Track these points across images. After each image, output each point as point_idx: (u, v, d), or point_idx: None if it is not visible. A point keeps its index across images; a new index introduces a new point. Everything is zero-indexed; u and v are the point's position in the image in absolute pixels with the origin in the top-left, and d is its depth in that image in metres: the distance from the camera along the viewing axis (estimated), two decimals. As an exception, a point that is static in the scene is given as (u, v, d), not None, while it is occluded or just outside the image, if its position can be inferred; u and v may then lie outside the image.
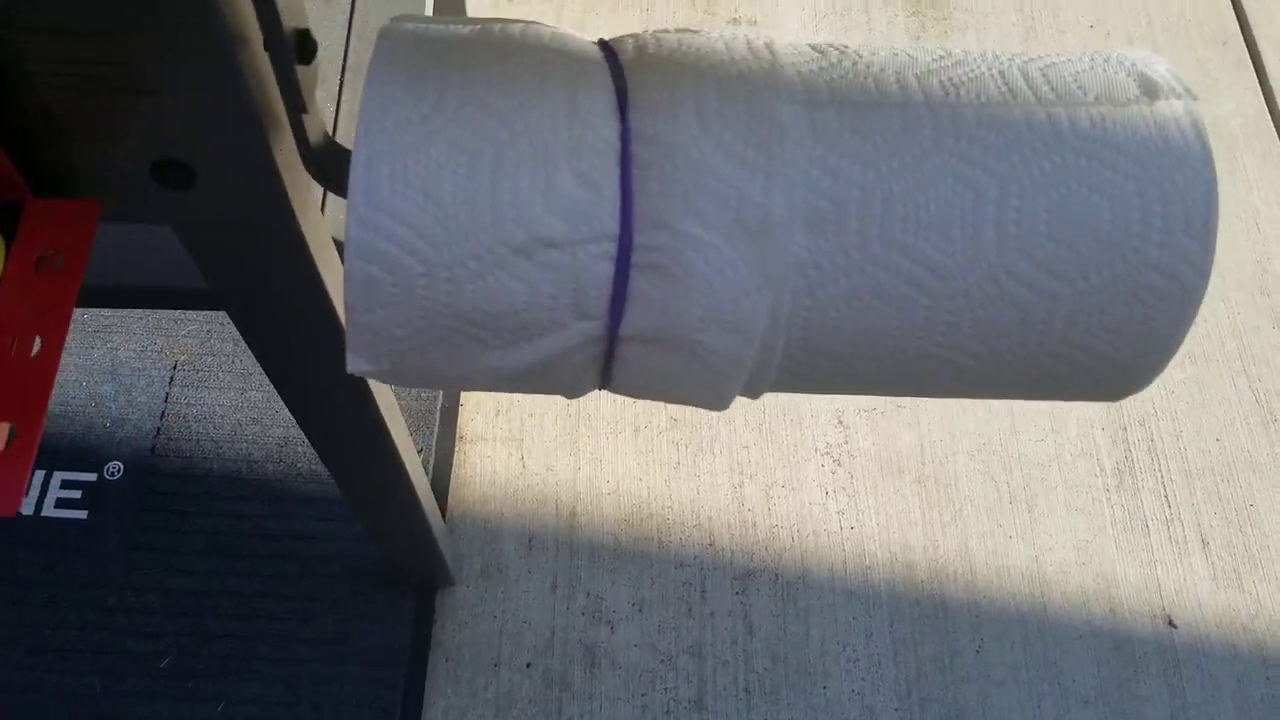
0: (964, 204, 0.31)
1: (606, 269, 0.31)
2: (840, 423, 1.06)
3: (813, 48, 0.33)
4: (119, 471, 0.92)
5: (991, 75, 0.32)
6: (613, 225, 0.30)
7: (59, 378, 0.95)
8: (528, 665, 0.92)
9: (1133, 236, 0.31)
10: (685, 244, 0.30)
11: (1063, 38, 1.32)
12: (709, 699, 0.92)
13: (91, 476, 0.92)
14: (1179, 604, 1.00)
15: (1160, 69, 0.34)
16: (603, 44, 0.34)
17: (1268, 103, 1.29)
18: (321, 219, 0.44)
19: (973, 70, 0.33)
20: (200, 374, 0.96)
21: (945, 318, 0.32)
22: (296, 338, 0.50)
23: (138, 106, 0.34)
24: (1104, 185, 0.31)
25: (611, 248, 0.30)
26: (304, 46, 0.35)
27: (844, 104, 0.31)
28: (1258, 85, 1.30)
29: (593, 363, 0.34)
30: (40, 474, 0.92)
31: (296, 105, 0.35)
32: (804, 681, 0.94)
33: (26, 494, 0.91)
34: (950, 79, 0.32)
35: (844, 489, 1.03)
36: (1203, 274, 0.32)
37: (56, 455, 0.93)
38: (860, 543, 1.00)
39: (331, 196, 0.50)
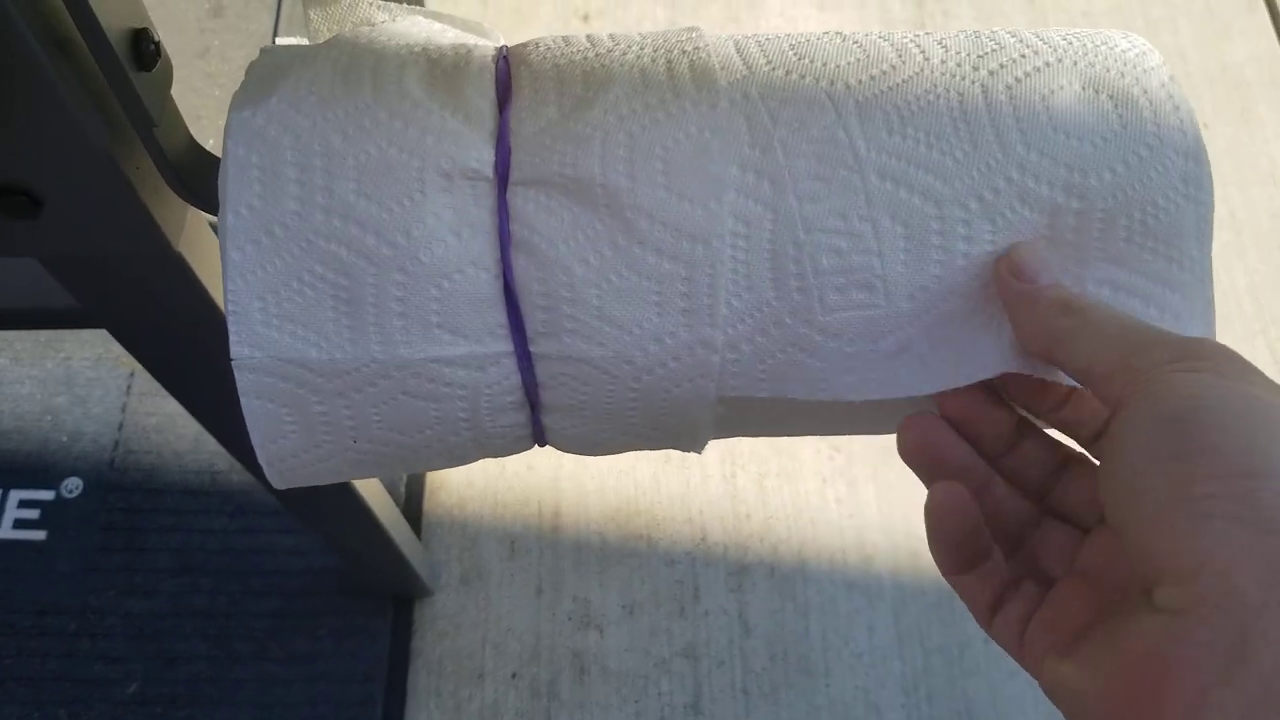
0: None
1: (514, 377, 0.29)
2: (836, 405, 1.01)
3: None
4: (78, 488, 0.88)
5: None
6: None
7: (13, 390, 0.91)
8: (513, 675, 0.88)
9: None
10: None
11: (1064, -15, 1.25)
12: (705, 702, 0.88)
13: (49, 494, 0.88)
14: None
15: (1155, 81, 0.29)
16: (499, 84, 0.29)
17: (1284, 46, 1.21)
18: (212, 235, 0.39)
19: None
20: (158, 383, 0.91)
21: None
22: (199, 370, 0.45)
23: (-46, 128, 0.29)
24: None
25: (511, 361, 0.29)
26: (141, 50, 0.29)
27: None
28: (1272, 30, 1.23)
29: (521, 440, 0.32)
30: (-5, 494, 0.88)
31: (143, 119, 0.30)
32: (804, 680, 0.90)
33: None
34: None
35: (842, 475, 0.98)
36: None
37: (12, 473, 0.88)
38: (861, 531, 0.95)
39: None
